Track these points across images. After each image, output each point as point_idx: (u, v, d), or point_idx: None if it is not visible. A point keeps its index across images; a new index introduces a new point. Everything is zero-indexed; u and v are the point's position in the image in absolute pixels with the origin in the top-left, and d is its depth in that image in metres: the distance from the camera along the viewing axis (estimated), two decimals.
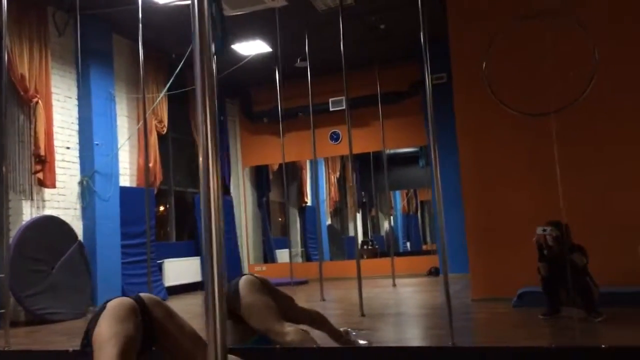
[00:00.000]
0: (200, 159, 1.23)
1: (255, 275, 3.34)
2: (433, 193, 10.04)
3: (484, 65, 5.27)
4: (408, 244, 15.92)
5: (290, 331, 2.96)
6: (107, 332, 2.10)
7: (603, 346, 2.40)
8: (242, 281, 3.18)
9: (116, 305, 2.23)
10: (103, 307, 2.24)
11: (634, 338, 4.02)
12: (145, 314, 2.26)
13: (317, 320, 3.41)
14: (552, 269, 4.85)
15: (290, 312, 3.27)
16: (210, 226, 1.17)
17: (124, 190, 8.02)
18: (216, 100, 1.26)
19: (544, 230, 4.88)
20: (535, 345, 2.70)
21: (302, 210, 14.20)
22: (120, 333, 2.09)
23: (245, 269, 11.64)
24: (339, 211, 14.84)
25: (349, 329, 3.48)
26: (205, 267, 1.18)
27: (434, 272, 10.27)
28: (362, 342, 3.44)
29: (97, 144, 7.69)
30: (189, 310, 6.73)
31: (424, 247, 14.73)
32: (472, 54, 6.13)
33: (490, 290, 6.18)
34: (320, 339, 3.25)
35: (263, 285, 3.21)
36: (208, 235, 1.17)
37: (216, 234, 1.18)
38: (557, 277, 4.81)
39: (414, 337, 4.77)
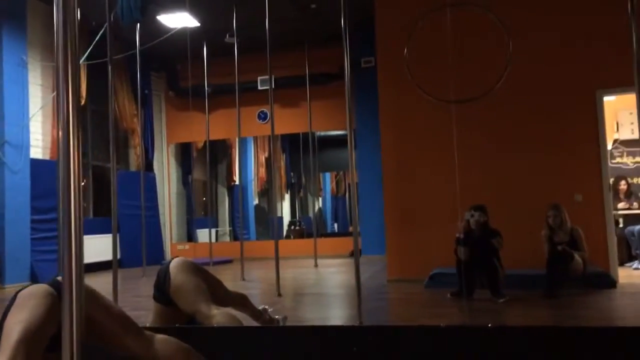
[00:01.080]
0: (60, 133, 1.16)
1: (186, 258, 3.32)
2: (355, 176, 10.18)
3: (405, 50, 5.35)
4: (336, 225, 16.15)
5: (217, 314, 2.97)
6: (13, 321, 1.96)
7: (490, 325, 2.51)
8: (173, 263, 3.16)
9: (26, 293, 2.07)
10: (14, 298, 2.09)
11: (528, 317, 4.27)
12: None
13: (241, 301, 3.47)
14: (471, 253, 5.01)
15: (219, 294, 3.28)
16: (69, 213, 1.09)
17: (35, 163, 7.62)
18: (78, 71, 1.19)
19: (472, 216, 5.06)
20: (428, 324, 2.80)
21: (231, 189, 14.06)
22: (26, 320, 1.93)
23: (168, 248, 11.41)
24: (268, 191, 14.81)
25: (266, 307, 3.55)
26: (63, 253, 1.11)
27: None
28: (278, 317, 3.56)
29: None
30: (101, 289, 6.53)
31: (351, 228, 14.98)
32: (396, 40, 6.21)
33: (405, 271, 6.38)
34: (248, 320, 3.33)
35: (194, 267, 3.19)
36: (67, 221, 1.10)
37: (75, 220, 1.11)
38: (474, 260, 4.98)
39: (326, 316, 4.85)
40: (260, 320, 3.45)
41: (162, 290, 3.08)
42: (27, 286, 2.12)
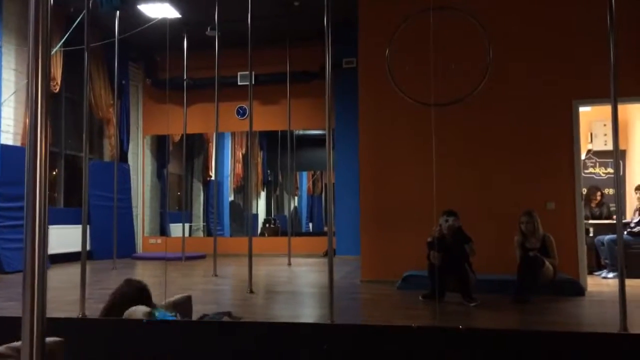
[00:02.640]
0: (28, 120, 1.11)
1: None
2: (332, 176, 10.17)
3: (387, 52, 5.36)
4: (310, 224, 16.12)
5: None
6: None
7: (461, 327, 2.52)
8: None
9: None
10: None
11: (498, 321, 4.30)
12: None
13: None
14: (443, 257, 5.01)
15: None
16: (35, 204, 1.05)
17: (5, 149, 7.43)
18: (48, 60, 1.15)
19: (447, 221, 5.07)
20: (400, 325, 2.80)
21: (207, 184, 13.93)
22: None
23: (139, 241, 11.25)
24: (244, 188, 14.71)
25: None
26: (26, 243, 1.06)
27: None
28: None
29: None
30: (69, 280, 6.40)
31: (326, 228, 14.97)
32: (378, 41, 6.22)
33: (379, 272, 6.39)
34: None
35: None
36: (31, 211, 1.06)
37: (40, 209, 1.07)
38: (446, 264, 4.98)
39: (297, 314, 4.82)
40: None
41: None
42: None
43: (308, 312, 4.95)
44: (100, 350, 2.79)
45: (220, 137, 12.37)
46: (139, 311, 2.91)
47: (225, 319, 3.37)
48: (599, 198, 7.55)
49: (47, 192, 1.12)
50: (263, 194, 15.22)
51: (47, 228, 1.12)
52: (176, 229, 11.67)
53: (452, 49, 6.03)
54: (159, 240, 11.35)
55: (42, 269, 1.10)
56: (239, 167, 14.13)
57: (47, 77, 1.13)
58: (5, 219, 7.39)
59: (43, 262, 1.10)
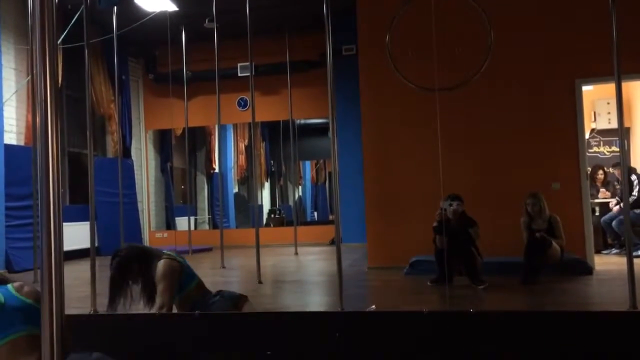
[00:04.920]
0: (38, 118, 1.11)
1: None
2: (337, 164, 10.16)
3: (387, 38, 5.32)
4: (315, 213, 16.14)
5: None
6: None
7: (472, 310, 2.53)
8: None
9: None
10: None
11: (507, 303, 4.32)
12: None
13: None
14: (448, 241, 5.01)
15: None
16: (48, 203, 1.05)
17: (9, 149, 7.44)
18: (56, 55, 1.15)
19: (450, 205, 5.06)
20: (410, 310, 2.82)
21: (210, 177, 13.94)
22: None
23: (146, 236, 11.29)
24: (248, 179, 14.73)
25: None
26: (42, 241, 1.06)
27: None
28: None
29: None
30: (77, 277, 6.43)
31: (331, 217, 15.00)
32: (377, 27, 6.18)
33: (386, 259, 6.40)
34: None
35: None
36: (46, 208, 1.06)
37: (55, 208, 1.07)
38: (452, 248, 4.98)
39: (307, 303, 4.85)
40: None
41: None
42: None
43: (317, 301, 4.98)
44: (113, 346, 2.81)
45: (222, 129, 12.35)
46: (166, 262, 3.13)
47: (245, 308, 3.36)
48: (601, 176, 7.54)
49: (60, 189, 1.12)
50: (267, 185, 15.24)
51: (62, 225, 1.13)
52: (182, 223, 11.69)
53: (453, 33, 6.00)
54: (166, 234, 11.39)
55: (59, 266, 1.11)
56: (242, 159, 14.13)
57: (55, 76, 1.13)
58: (12, 218, 7.42)
59: (60, 259, 1.11)
